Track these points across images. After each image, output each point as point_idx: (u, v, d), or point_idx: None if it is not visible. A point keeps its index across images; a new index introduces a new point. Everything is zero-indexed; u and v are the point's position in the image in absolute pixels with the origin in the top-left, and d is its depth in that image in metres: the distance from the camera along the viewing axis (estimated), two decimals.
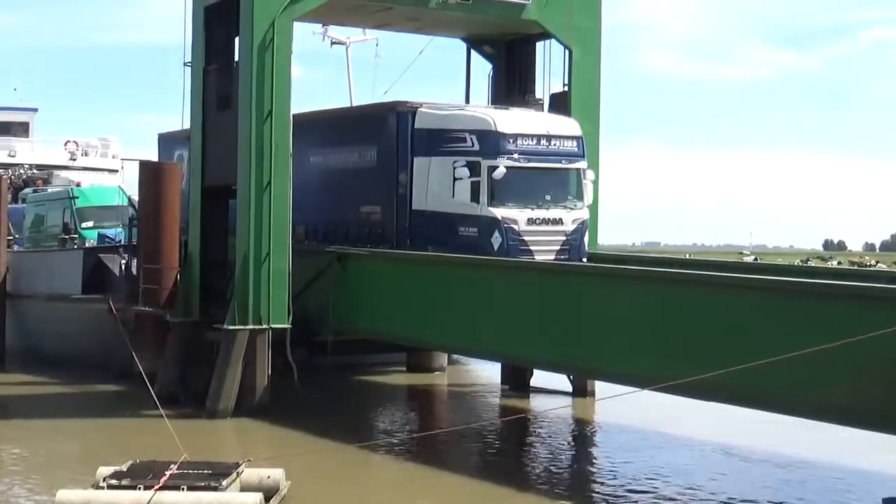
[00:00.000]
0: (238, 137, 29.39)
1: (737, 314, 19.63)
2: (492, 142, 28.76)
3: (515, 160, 28.67)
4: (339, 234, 32.20)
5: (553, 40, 32.73)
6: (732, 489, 21.80)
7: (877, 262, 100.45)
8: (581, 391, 32.06)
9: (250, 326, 28.78)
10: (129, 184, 41.17)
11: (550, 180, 29.61)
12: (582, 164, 29.97)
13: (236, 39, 30.62)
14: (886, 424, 16.64)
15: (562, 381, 32.57)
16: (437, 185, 29.40)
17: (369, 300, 29.49)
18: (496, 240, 28.18)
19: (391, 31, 36.55)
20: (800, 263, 60.47)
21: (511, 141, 28.84)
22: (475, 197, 28.41)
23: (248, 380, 28.70)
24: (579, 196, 29.79)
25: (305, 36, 47.93)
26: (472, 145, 28.95)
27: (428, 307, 27.24)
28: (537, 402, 32.47)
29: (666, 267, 27.20)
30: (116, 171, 50.74)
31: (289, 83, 29.45)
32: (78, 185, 44.76)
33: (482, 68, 35.16)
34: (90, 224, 39.89)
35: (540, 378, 33.55)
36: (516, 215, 28.44)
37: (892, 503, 17.85)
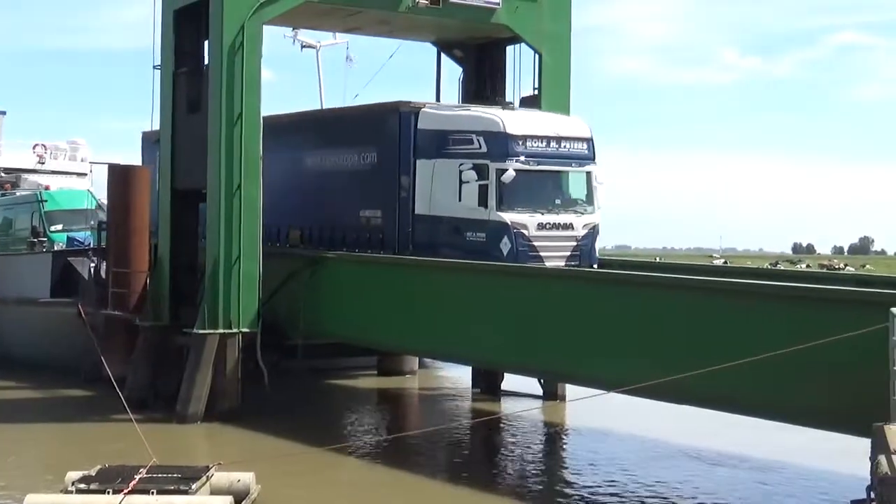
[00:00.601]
0: (208, 141, 29.34)
1: (706, 317, 19.71)
2: (500, 143, 27.76)
3: (525, 163, 27.69)
4: (337, 238, 31.31)
5: (523, 44, 32.80)
6: (705, 492, 21.93)
7: (845, 265, 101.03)
8: (552, 395, 32.10)
9: (220, 330, 28.71)
10: (97, 187, 41.07)
11: (560, 183, 28.75)
12: (592, 167, 28.97)
13: (206, 43, 30.60)
14: (851, 426, 16.72)
15: (532, 385, 32.64)
16: (441, 189, 28.38)
17: (340, 303, 29.43)
18: (505, 245, 27.25)
19: (361, 34, 36.52)
20: (769, 266, 60.76)
21: (520, 143, 27.83)
22: (483, 201, 27.41)
23: (219, 384, 28.63)
24: (590, 200, 28.81)
25: (276, 39, 47.92)
26: (480, 147, 27.93)
27: (398, 310, 27.17)
28: (508, 406, 32.52)
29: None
30: (85, 174, 50.55)
31: (258, 87, 29.43)
32: (46, 188, 44.60)
33: (453, 72, 35.24)
34: (59, 227, 39.75)
35: (511, 381, 33.60)
36: (526, 220, 27.46)
37: None
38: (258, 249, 29.20)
